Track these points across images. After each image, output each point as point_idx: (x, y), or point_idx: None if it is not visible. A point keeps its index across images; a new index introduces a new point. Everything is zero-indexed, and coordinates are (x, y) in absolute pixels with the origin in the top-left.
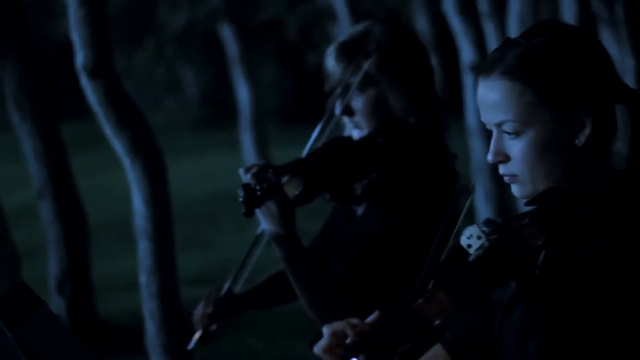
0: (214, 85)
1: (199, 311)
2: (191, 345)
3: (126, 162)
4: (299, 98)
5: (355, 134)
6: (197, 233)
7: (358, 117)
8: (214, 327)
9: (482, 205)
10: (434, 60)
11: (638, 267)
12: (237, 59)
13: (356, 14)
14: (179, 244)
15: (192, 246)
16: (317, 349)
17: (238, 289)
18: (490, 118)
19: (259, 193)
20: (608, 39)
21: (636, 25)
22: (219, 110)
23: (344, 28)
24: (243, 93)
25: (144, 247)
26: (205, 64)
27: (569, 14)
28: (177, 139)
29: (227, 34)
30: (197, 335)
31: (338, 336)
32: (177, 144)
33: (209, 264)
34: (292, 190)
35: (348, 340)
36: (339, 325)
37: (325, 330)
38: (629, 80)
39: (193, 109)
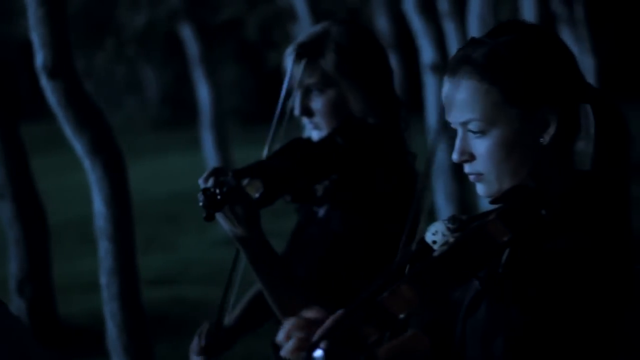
0: (175, 85)
1: (194, 348)
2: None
3: (86, 162)
4: (259, 98)
5: (315, 135)
6: (158, 233)
7: (317, 118)
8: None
9: (443, 205)
10: (395, 60)
11: (602, 264)
12: (198, 58)
13: (317, 14)
14: (139, 245)
15: (152, 247)
16: (284, 352)
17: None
18: (455, 117)
19: (219, 197)
20: (568, 39)
21: (596, 25)
22: (179, 110)
23: (305, 28)
24: (203, 93)
25: (104, 248)
26: (165, 64)
27: (528, 13)
28: (138, 139)
29: (187, 34)
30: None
31: (303, 326)
32: (137, 144)
33: (170, 264)
34: (252, 192)
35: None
36: (306, 314)
37: (290, 321)
38: (590, 80)
39: (153, 109)
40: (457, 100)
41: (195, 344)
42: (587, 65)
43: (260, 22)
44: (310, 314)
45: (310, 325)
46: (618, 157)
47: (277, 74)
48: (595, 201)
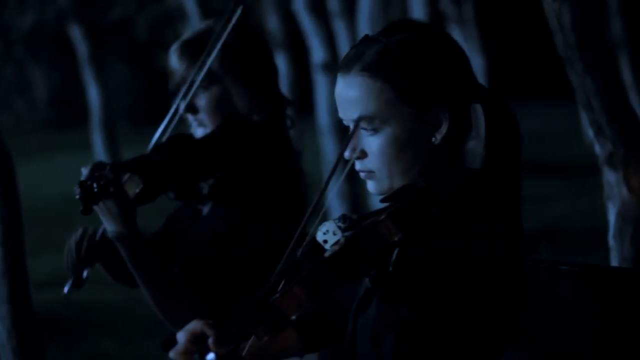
0: (64, 85)
1: (71, 256)
2: (66, 290)
3: None
4: (149, 98)
5: (199, 132)
6: (48, 235)
7: (202, 115)
8: (86, 272)
9: (335, 204)
10: (286, 60)
11: (490, 263)
12: (87, 59)
13: (206, 14)
14: (29, 247)
15: (43, 249)
16: (173, 353)
17: None
18: (348, 114)
19: (95, 190)
20: (457, 38)
21: (485, 24)
22: (69, 111)
23: (195, 28)
24: (93, 93)
25: None
26: (54, 65)
27: (418, 13)
28: (27, 141)
29: (76, 34)
30: (70, 281)
31: (196, 337)
32: (27, 145)
33: (61, 266)
34: (132, 188)
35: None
36: (195, 326)
37: (181, 334)
38: (479, 79)
39: (43, 110)
40: (350, 98)
41: (72, 254)
42: (476, 64)
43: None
44: (196, 327)
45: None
46: (508, 155)
47: (167, 73)
48: (485, 200)
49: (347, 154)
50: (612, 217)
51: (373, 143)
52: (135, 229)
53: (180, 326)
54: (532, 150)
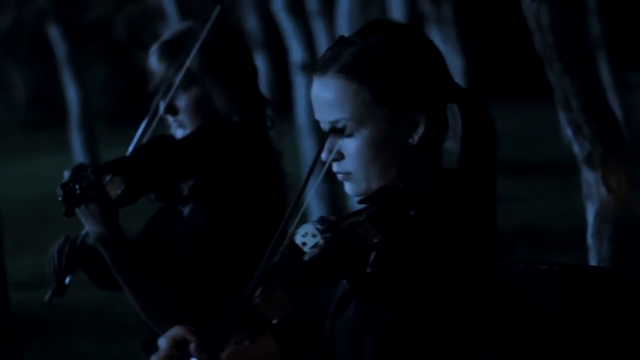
0: (42, 85)
1: (53, 263)
2: (47, 297)
3: None
4: (128, 98)
5: (179, 133)
6: (27, 236)
7: (182, 116)
8: (68, 279)
9: (315, 205)
10: (265, 60)
11: (466, 264)
12: (65, 59)
13: (185, 14)
14: (8, 248)
15: (21, 249)
16: (155, 358)
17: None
18: (325, 116)
19: (78, 192)
20: (436, 38)
21: (464, 25)
22: (47, 111)
23: (174, 28)
24: (72, 93)
25: None
26: (32, 65)
27: (397, 13)
28: (5, 141)
29: (54, 34)
30: (51, 288)
31: (178, 343)
32: (5, 146)
33: (39, 267)
34: (114, 190)
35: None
36: (177, 331)
37: (163, 340)
38: (458, 79)
39: (21, 110)
40: (326, 100)
41: (54, 261)
42: (455, 64)
43: (129, 22)
44: (177, 332)
45: (180, 345)
46: (485, 155)
47: (146, 74)
48: (462, 200)
49: (324, 156)
50: (590, 216)
51: (350, 145)
52: (118, 231)
53: (165, 328)
54: (511, 150)
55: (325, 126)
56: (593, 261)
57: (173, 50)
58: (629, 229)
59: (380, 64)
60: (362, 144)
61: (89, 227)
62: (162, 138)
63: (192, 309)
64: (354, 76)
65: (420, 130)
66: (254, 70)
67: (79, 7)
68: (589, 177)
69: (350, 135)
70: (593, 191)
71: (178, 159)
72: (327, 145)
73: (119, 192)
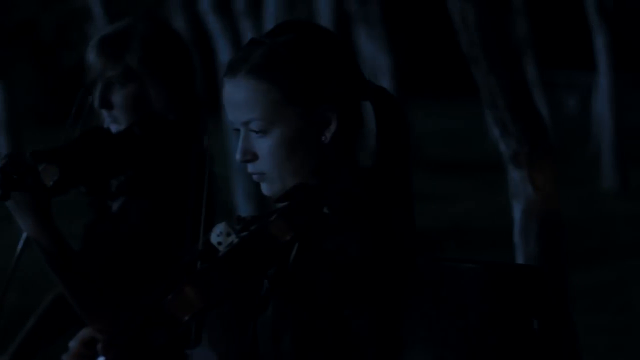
0: None
1: None
2: None
3: None
4: (54, 98)
5: (113, 129)
6: None
7: (116, 112)
8: None
9: (243, 204)
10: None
11: (382, 261)
12: None
13: (112, 15)
14: None
15: None
16: (66, 357)
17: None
18: (236, 117)
19: (15, 176)
20: (364, 38)
21: (391, 24)
22: None
23: (100, 28)
24: None
25: None
26: None
27: (324, 12)
28: None
29: None
30: None
31: (87, 343)
32: None
33: None
34: (48, 179)
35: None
36: (86, 332)
37: (73, 341)
38: (385, 78)
39: None
40: (237, 101)
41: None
42: (382, 64)
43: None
44: (86, 333)
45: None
46: (398, 151)
47: (73, 74)
48: (377, 196)
49: (238, 157)
50: (517, 215)
51: (263, 145)
52: (52, 224)
53: (102, 325)
54: (438, 150)
55: (238, 127)
56: (520, 259)
57: (112, 45)
58: (555, 227)
59: (288, 63)
60: (275, 143)
61: (20, 220)
62: (99, 130)
63: (126, 304)
64: (263, 76)
65: (333, 127)
66: (193, 70)
67: (3, 8)
68: (515, 175)
69: (262, 135)
70: (519, 189)
71: (112, 152)
72: (240, 147)
73: (51, 182)
